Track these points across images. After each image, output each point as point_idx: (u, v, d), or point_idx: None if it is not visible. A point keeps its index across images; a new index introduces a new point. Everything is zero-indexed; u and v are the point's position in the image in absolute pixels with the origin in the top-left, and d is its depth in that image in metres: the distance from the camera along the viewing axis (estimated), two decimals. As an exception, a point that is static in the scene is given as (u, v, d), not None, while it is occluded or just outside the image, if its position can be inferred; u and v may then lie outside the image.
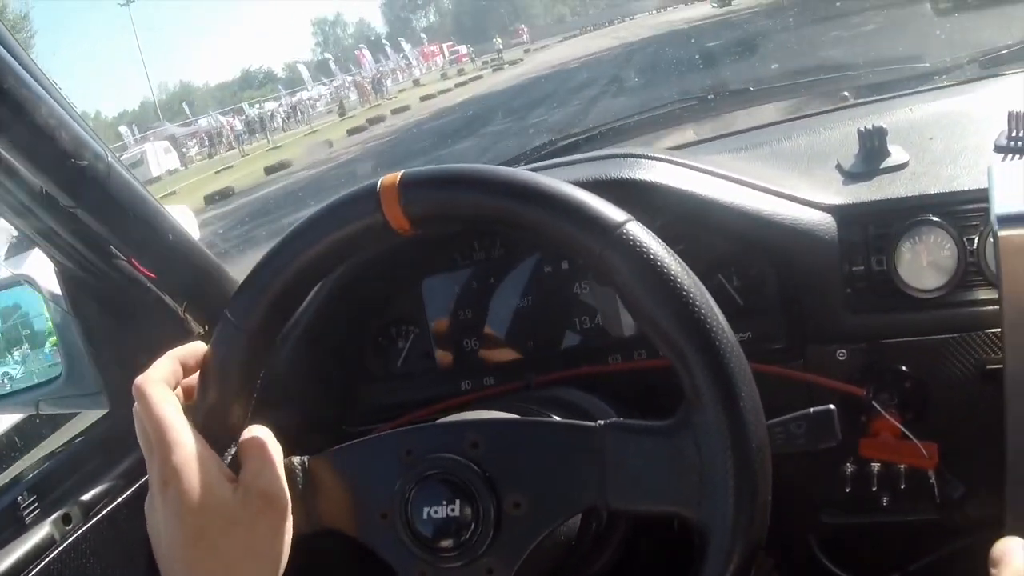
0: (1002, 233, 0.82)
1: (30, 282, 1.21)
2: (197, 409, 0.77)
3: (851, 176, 1.12)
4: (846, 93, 1.62)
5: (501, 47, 55.96)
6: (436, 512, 0.74)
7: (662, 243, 0.69)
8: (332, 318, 1.21)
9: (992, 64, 1.50)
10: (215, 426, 0.77)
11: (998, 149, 1.07)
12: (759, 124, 1.53)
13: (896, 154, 1.11)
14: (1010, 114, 1.07)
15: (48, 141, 0.90)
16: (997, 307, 0.87)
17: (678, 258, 0.68)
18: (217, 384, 0.77)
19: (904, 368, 1.03)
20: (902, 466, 1.03)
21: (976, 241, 0.99)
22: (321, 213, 0.75)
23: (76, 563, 0.96)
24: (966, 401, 1.01)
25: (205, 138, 35.31)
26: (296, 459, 0.81)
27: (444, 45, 71.19)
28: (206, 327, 1.16)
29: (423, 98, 31.27)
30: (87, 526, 0.98)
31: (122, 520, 1.02)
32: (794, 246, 1.05)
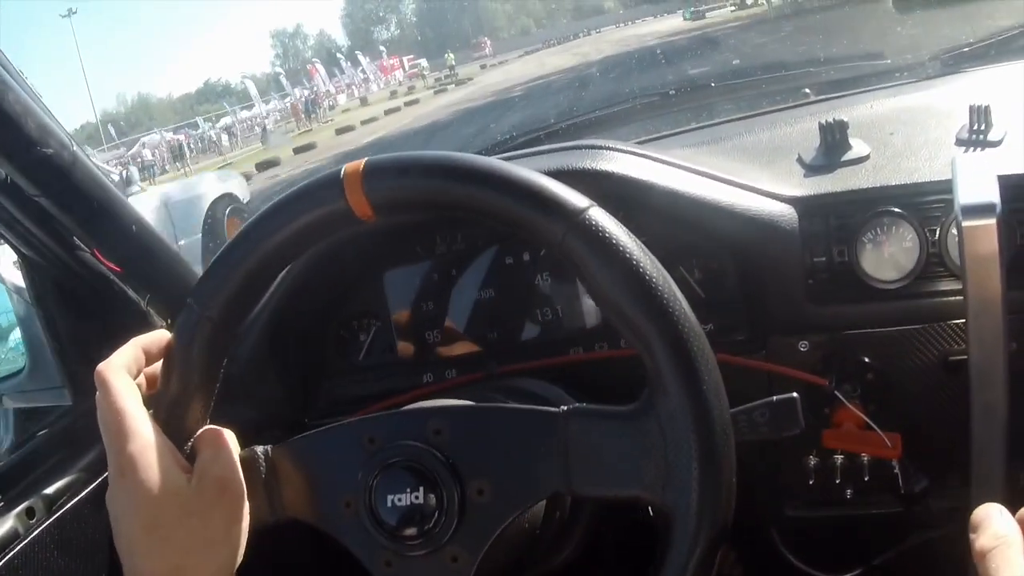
0: (966, 223, 0.82)
1: (-7, 275, 1.19)
2: (158, 398, 0.76)
3: (812, 169, 1.12)
4: (808, 90, 1.62)
5: (454, 63, 54.22)
6: (400, 500, 0.73)
7: (624, 229, 0.68)
8: (293, 312, 1.19)
9: (953, 61, 1.51)
10: (175, 417, 0.76)
11: (959, 142, 1.08)
12: (721, 119, 1.52)
13: (857, 147, 1.11)
14: (971, 108, 1.07)
15: (14, 128, 0.90)
16: (959, 298, 0.88)
17: (640, 244, 0.68)
18: (178, 373, 0.76)
19: (866, 359, 1.03)
20: (866, 458, 1.03)
21: (938, 232, 0.99)
22: (285, 200, 0.75)
23: (40, 557, 0.95)
24: (929, 392, 1.02)
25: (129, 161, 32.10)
26: (258, 448, 0.80)
27: (404, 58, 70.74)
28: (169, 320, 1.15)
29: (364, 121, 28.73)
30: (51, 520, 0.97)
31: (86, 514, 1.01)
32: (755, 237, 1.05)
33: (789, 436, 0.72)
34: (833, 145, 1.12)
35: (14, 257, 1.11)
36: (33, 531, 0.94)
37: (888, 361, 1.03)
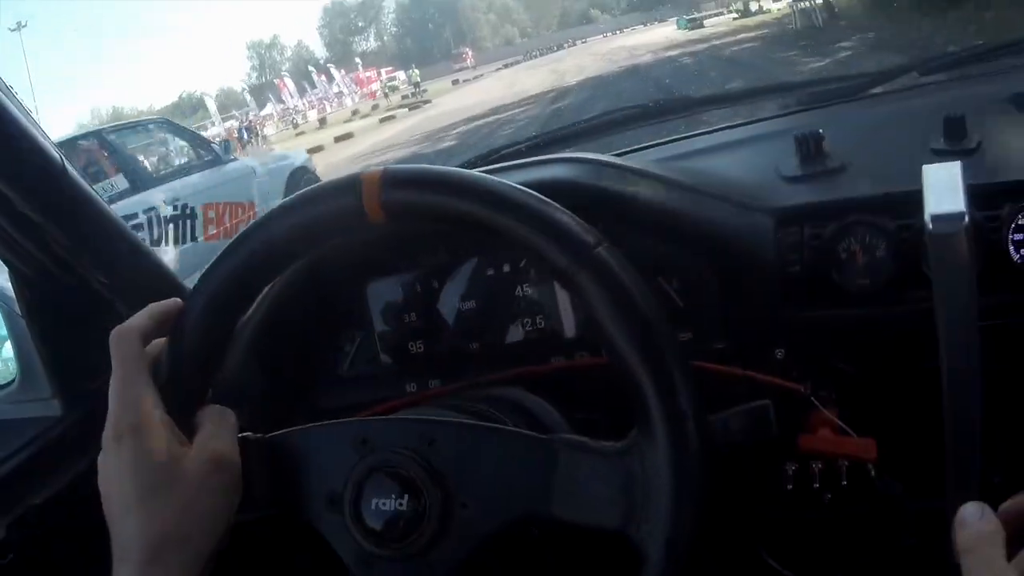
0: (935, 231, 0.84)
1: (-16, 286, 1.20)
2: (162, 368, 0.78)
3: (788, 179, 1.13)
4: (786, 103, 1.64)
5: (419, 79, 52.56)
6: (384, 504, 0.75)
7: (631, 271, 0.72)
8: (279, 323, 1.20)
9: (929, 73, 1.53)
10: (177, 389, 0.78)
11: (934, 152, 1.09)
12: (700, 131, 1.54)
13: (833, 157, 1.13)
14: (946, 119, 1.09)
15: (4, 144, 0.91)
16: (932, 304, 0.89)
17: (644, 287, 0.72)
18: (184, 345, 0.78)
19: (842, 366, 1.05)
20: (844, 464, 1.04)
21: (910, 240, 1.01)
22: (303, 195, 0.78)
23: (29, 567, 0.95)
24: (903, 398, 1.03)
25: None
26: (251, 436, 0.82)
27: (383, 70, 70.06)
28: None
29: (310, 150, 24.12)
30: (42, 530, 0.98)
31: (77, 523, 1.00)
32: (733, 248, 1.06)
33: (764, 442, 0.74)
34: (809, 156, 1.14)
35: (4, 269, 1.11)
36: (24, 541, 0.95)
37: (863, 367, 1.04)
